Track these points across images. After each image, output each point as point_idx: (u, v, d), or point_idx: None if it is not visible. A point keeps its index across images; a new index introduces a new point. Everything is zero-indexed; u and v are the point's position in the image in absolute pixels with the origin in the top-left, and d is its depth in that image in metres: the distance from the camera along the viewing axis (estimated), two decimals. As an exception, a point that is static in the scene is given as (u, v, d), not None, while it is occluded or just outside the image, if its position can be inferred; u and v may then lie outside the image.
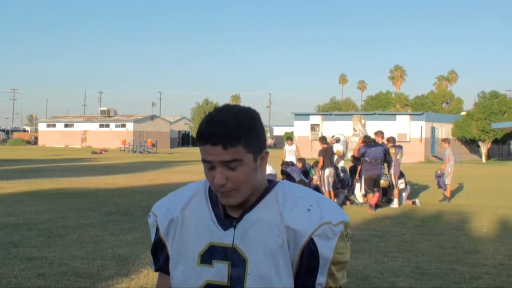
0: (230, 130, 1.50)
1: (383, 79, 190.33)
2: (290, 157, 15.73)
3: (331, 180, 12.86)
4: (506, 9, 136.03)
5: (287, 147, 16.39)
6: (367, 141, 12.89)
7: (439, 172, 14.92)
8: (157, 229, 1.67)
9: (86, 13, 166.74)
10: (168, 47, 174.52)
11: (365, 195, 13.26)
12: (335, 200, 12.99)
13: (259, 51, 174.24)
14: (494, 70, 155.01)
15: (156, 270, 1.73)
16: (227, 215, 1.59)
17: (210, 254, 1.57)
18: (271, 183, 1.63)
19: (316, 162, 14.60)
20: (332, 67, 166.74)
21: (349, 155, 13.06)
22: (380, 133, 13.09)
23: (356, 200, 13.68)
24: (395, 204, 13.04)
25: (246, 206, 1.58)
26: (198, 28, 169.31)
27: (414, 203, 13.66)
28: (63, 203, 12.67)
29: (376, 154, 12.64)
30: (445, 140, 15.69)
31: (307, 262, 1.53)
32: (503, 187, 19.70)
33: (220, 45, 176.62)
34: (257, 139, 1.56)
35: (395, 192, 13.26)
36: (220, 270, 1.55)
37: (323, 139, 13.38)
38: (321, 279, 1.54)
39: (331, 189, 12.94)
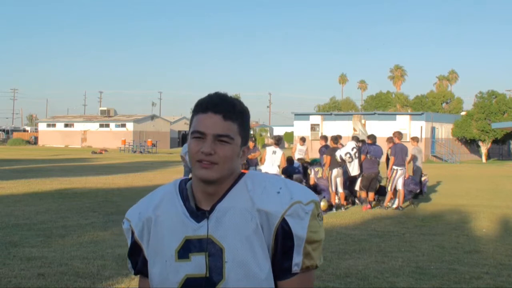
0: (233, 106, 1.60)
1: (383, 79, 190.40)
2: (299, 157, 15.98)
3: (339, 180, 12.85)
4: (507, 9, 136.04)
5: (298, 146, 16.90)
6: (371, 140, 13.41)
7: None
8: (132, 233, 1.68)
9: (86, 13, 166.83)
10: (168, 47, 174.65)
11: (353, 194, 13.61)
12: (344, 202, 12.99)
13: (259, 51, 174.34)
14: (495, 70, 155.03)
15: (135, 274, 1.74)
16: (199, 208, 1.61)
17: (186, 249, 1.58)
18: (241, 173, 1.66)
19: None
20: (332, 67, 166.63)
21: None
22: (397, 134, 13.49)
23: (356, 200, 13.71)
24: (394, 204, 13.03)
25: (217, 197, 1.60)
26: (198, 28, 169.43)
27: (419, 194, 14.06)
28: (63, 203, 12.67)
29: (376, 153, 13.11)
30: (414, 138, 15.06)
31: (282, 243, 1.55)
32: (503, 187, 19.71)
33: (220, 45, 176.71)
34: (247, 129, 1.64)
35: (400, 192, 13.19)
36: (198, 263, 1.57)
37: (335, 139, 13.40)
38: (297, 259, 1.56)
39: (341, 191, 12.83)
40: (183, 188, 1.66)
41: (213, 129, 1.56)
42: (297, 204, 1.56)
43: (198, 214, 1.59)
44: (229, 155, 1.57)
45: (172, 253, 1.59)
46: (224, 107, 1.58)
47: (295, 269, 1.57)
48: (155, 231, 1.63)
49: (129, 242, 1.71)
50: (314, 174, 13.95)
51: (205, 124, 1.57)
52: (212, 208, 1.59)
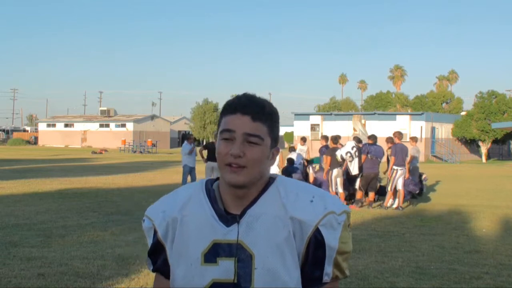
0: (262, 107, 1.57)
1: (383, 79, 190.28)
2: (300, 156, 16.08)
3: (339, 180, 12.88)
4: (507, 9, 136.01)
5: (299, 146, 16.95)
6: (372, 140, 13.50)
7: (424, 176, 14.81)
8: (155, 232, 1.64)
9: (86, 13, 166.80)
10: (168, 47, 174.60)
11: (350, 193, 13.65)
12: (344, 202, 13.01)
13: (259, 51, 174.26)
14: (495, 70, 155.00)
15: (154, 271, 1.70)
16: (228, 212, 1.57)
17: (214, 252, 1.54)
18: (270, 178, 1.63)
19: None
20: (332, 67, 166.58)
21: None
22: (397, 134, 13.51)
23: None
24: (394, 204, 13.03)
25: (247, 202, 1.56)
26: (198, 28, 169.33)
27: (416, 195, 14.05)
28: (63, 203, 12.68)
29: (378, 153, 13.19)
30: (413, 138, 14.89)
31: (314, 252, 1.54)
32: (503, 187, 19.70)
33: (220, 45, 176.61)
34: (276, 129, 1.61)
35: (400, 192, 13.19)
36: (226, 268, 1.53)
37: (334, 139, 13.43)
38: (328, 269, 1.55)
39: (341, 191, 12.86)
40: (210, 189, 1.61)
41: (242, 128, 1.53)
42: (330, 215, 1.54)
43: (228, 218, 1.55)
44: (258, 157, 1.53)
45: (198, 256, 1.55)
46: (253, 108, 1.54)
47: (325, 279, 1.56)
48: (181, 232, 1.58)
49: (150, 241, 1.67)
50: (312, 170, 14.09)
51: (234, 123, 1.53)
52: (243, 213, 1.55)
